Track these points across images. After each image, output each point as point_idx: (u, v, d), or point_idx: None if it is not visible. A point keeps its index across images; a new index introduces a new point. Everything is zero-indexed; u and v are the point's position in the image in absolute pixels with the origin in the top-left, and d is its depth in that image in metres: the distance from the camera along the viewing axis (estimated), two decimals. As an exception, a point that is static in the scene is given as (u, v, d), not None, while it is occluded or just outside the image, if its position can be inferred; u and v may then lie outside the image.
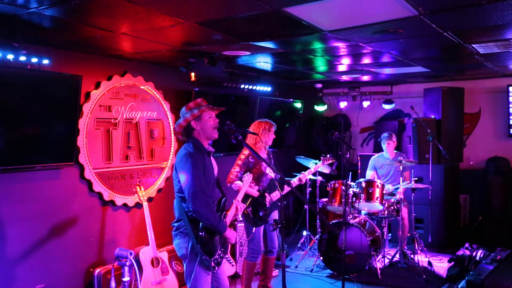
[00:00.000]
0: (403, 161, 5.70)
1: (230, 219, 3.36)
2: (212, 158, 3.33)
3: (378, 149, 7.55)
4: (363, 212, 5.89)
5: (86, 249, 4.56)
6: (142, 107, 5.06)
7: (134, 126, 4.98)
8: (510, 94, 7.05)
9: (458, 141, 7.03)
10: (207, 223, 3.08)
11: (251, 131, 4.33)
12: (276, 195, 4.43)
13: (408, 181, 5.96)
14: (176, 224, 3.24)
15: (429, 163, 6.19)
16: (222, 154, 5.84)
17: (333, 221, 5.74)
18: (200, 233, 3.09)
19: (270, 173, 4.52)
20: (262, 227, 4.47)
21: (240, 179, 4.33)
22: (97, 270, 4.45)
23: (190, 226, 3.11)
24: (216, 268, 3.18)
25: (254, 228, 4.35)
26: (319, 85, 8.06)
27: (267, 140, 4.55)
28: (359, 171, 6.24)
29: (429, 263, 5.78)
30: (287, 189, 4.43)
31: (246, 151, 4.44)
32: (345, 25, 3.62)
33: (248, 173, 4.04)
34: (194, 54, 4.66)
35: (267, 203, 4.39)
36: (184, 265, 3.23)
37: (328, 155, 5.21)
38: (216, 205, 3.27)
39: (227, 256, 3.35)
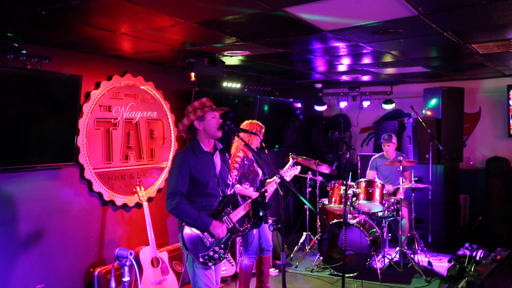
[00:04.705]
0: (403, 161, 5.71)
1: (237, 217, 3.35)
2: (217, 157, 3.35)
3: (378, 149, 7.55)
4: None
5: (86, 249, 4.56)
6: (142, 107, 5.06)
7: (134, 126, 4.98)
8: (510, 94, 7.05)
9: (458, 141, 7.03)
10: (185, 223, 3.16)
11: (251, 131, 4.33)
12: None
13: (408, 182, 5.97)
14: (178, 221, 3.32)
15: (429, 163, 6.19)
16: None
17: (333, 221, 5.74)
18: (184, 229, 3.16)
19: (260, 173, 4.55)
20: (256, 229, 4.46)
21: (239, 182, 4.35)
22: (97, 270, 4.45)
23: (179, 223, 3.22)
24: (209, 263, 3.17)
25: (254, 230, 4.33)
26: (319, 85, 8.05)
27: (253, 142, 4.55)
28: (359, 171, 6.25)
29: (429, 263, 5.78)
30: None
31: (240, 153, 4.45)
32: (345, 25, 3.62)
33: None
34: (194, 54, 4.66)
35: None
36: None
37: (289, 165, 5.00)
38: (217, 204, 3.28)
39: (226, 256, 3.32)
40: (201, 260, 3.13)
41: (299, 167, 4.65)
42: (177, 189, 3.11)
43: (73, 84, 4.11)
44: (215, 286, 3.30)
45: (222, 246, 3.24)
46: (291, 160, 4.87)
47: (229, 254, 3.37)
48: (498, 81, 7.19)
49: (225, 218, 3.28)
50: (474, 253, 5.00)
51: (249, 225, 3.40)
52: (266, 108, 6.69)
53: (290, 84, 7.66)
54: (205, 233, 3.17)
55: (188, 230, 3.15)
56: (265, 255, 4.64)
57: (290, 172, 4.51)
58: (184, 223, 3.16)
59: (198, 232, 3.16)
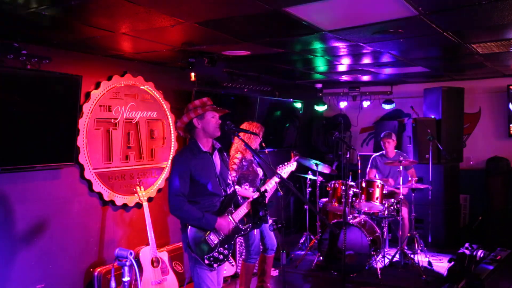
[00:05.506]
0: (403, 161, 5.71)
1: (239, 216, 3.33)
2: (216, 156, 3.33)
3: (378, 149, 7.55)
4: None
5: (86, 249, 4.56)
6: (142, 107, 5.06)
7: (134, 126, 4.98)
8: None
9: (458, 141, 7.03)
10: (188, 224, 3.14)
11: (251, 131, 4.33)
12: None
13: (415, 178, 5.98)
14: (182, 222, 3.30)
15: (429, 163, 6.19)
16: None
17: (333, 221, 5.74)
18: (189, 230, 3.13)
19: (260, 173, 4.54)
20: (256, 230, 4.45)
21: (238, 184, 4.35)
22: (97, 270, 4.45)
23: (182, 224, 3.20)
24: (214, 265, 3.15)
25: (255, 231, 4.33)
26: (319, 85, 8.05)
27: (253, 143, 4.54)
28: (359, 171, 6.25)
29: (429, 263, 5.78)
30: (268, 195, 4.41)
31: (238, 155, 4.45)
32: (345, 25, 3.62)
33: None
34: (194, 54, 4.66)
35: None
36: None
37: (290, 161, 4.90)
38: (219, 204, 3.26)
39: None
40: (206, 262, 3.11)
41: (295, 163, 4.61)
42: (178, 191, 3.10)
43: (73, 84, 4.11)
44: (217, 287, 3.30)
45: (226, 246, 3.23)
46: (292, 158, 4.85)
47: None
48: (498, 81, 7.19)
49: (228, 218, 3.27)
50: (474, 253, 4.99)
51: (250, 224, 3.39)
52: (266, 108, 6.69)
53: (290, 84, 7.66)
54: (210, 234, 3.16)
55: (192, 231, 3.13)
56: (269, 254, 4.64)
57: (286, 168, 4.47)
58: (188, 224, 3.14)
59: (202, 233, 3.14)
